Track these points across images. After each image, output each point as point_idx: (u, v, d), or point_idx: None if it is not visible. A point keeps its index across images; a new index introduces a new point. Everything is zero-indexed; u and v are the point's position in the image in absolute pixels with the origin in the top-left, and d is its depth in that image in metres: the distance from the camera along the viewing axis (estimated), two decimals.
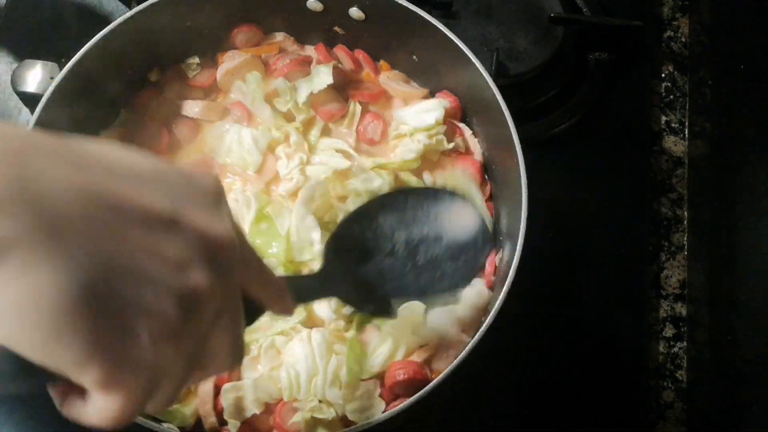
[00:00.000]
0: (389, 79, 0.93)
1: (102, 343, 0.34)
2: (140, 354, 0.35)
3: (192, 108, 0.89)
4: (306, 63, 0.91)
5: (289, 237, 0.82)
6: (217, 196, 0.42)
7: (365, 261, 0.69)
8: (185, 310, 0.36)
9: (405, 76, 0.94)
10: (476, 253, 0.72)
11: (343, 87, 0.92)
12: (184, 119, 0.90)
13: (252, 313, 0.49)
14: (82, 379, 0.35)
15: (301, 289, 0.62)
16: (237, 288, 0.43)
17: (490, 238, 0.77)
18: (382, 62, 0.95)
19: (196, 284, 0.37)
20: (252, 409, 0.76)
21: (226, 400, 0.76)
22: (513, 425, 0.93)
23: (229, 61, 0.90)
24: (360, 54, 0.93)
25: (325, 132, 0.91)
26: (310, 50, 0.95)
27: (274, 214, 0.83)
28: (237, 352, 0.44)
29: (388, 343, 0.78)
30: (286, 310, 0.53)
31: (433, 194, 0.73)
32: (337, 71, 0.90)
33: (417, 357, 0.78)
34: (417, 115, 0.89)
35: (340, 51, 0.93)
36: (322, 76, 0.87)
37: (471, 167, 0.90)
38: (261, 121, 0.89)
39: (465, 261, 0.71)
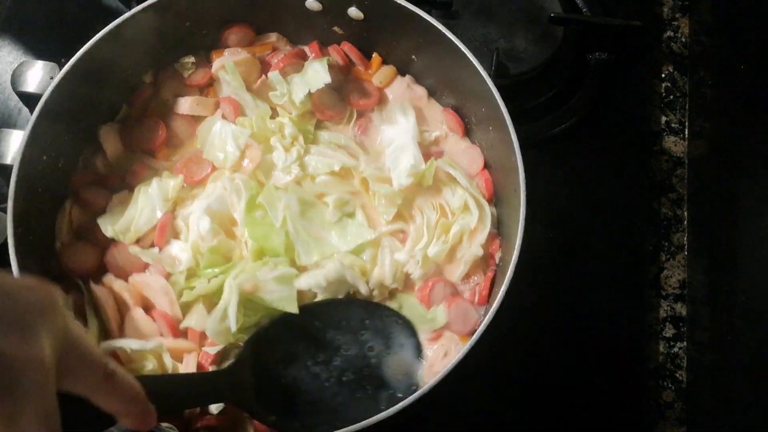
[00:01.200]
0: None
1: None
2: None
3: (183, 105, 0.90)
4: (300, 57, 0.91)
5: (287, 227, 0.81)
6: (33, 315, 0.40)
7: (287, 367, 0.68)
8: None
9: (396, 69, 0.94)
10: (406, 382, 0.71)
11: (341, 87, 0.92)
12: (180, 115, 0.91)
13: (103, 421, 0.47)
14: None
15: (192, 390, 0.59)
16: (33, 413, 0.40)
17: (421, 372, 0.73)
18: (374, 55, 0.94)
19: None
20: None
21: None
22: (513, 425, 0.92)
23: (229, 55, 0.91)
24: (345, 45, 0.93)
25: (320, 125, 0.92)
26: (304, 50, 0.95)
27: (266, 203, 0.83)
28: None
29: None
30: (143, 425, 0.49)
31: (376, 309, 0.74)
32: (335, 70, 0.89)
33: None
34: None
35: (333, 51, 0.93)
36: (319, 74, 0.87)
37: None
38: (248, 111, 0.89)
39: (393, 387, 0.71)
